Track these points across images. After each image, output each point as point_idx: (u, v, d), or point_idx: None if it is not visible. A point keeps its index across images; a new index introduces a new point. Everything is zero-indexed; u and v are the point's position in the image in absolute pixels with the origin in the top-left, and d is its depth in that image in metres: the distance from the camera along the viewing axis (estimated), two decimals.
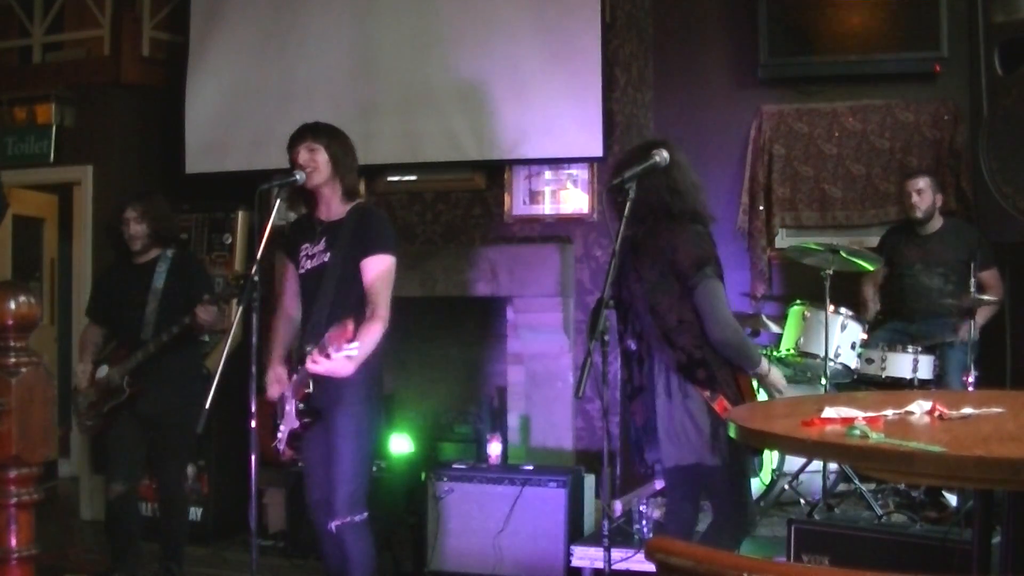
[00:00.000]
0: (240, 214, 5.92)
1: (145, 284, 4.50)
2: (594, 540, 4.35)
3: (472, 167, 5.56)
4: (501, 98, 5.40)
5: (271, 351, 3.81)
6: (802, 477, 5.01)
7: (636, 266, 3.44)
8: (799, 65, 5.85)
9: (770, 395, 3.55)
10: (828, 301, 4.83)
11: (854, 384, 5.14)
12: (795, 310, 5.06)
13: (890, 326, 5.31)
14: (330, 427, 3.58)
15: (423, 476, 4.75)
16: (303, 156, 3.67)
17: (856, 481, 4.82)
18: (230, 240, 5.91)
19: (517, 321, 5.42)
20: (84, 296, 5.07)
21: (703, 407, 3.31)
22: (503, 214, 5.55)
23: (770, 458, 4.91)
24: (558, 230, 5.48)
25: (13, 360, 1.94)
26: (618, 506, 4.22)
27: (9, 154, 6.34)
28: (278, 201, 3.60)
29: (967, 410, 2.38)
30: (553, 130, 5.32)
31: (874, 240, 5.57)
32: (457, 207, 5.64)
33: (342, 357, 3.24)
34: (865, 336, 5.00)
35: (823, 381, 4.76)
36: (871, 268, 5.17)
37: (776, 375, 3.48)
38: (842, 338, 4.91)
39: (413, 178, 5.66)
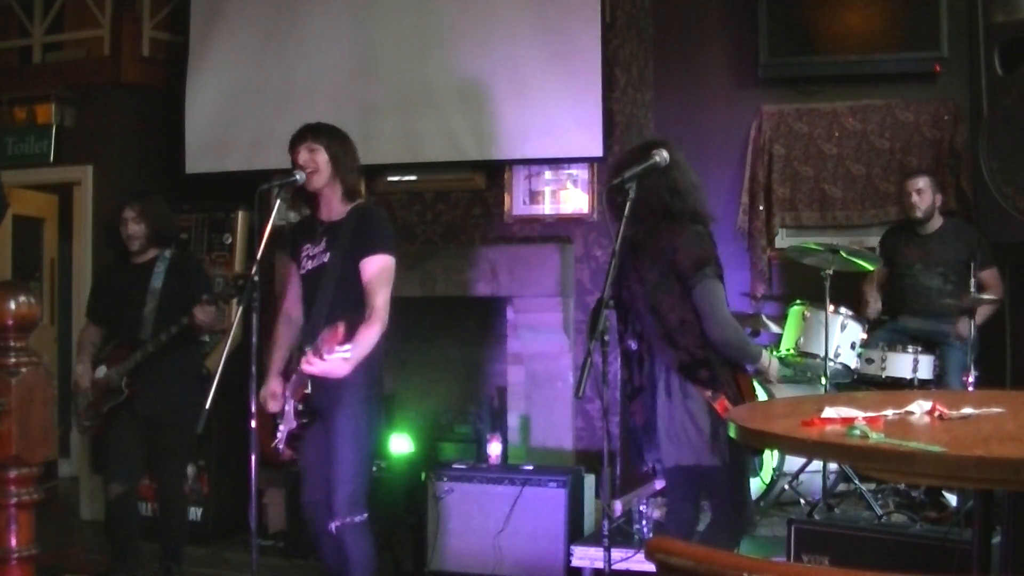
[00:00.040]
0: (240, 214, 5.92)
1: (143, 284, 4.50)
2: (594, 540, 4.35)
3: (472, 167, 5.56)
4: (501, 98, 5.40)
5: (270, 361, 3.81)
6: (802, 477, 5.01)
7: (636, 266, 3.44)
8: (799, 65, 5.85)
9: (768, 392, 3.56)
10: (828, 301, 4.83)
11: (854, 384, 5.14)
12: (795, 310, 5.07)
13: (890, 326, 5.31)
14: (330, 428, 3.58)
15: (423, 476, 4.75)
16: (303, 156, 3.67)
17: (856, 481, 4.82)
18: (230, 240, 5.91)
19: (517, 321, 5.42)
20: (84, 296, 5.06)
21: (704, 407, 3.31)
22: (503, 214, 5.55)
23: (770, 458, 4.91)
24: (558, 230, 5.47)
25: (13, 360, 1.94)
26: (618, 506, 4.22)
27: (9, 154, 6.34)
28: (278, 201, 3.60)
29: (967, 410, 2.38)
30: (553, 130, 5.32)
31: (874, 240, 5.57)
32: (457, 207, 5.64)
33: (337, 358, 3.24)
34: (865, 336, 5.00)
35: (823, 381, 4.76)
36: (871, 268, 5.17)
37: (774, 365, 3.50)
38: (842, 338, 4.91)
39: (413, 178, 5.66)
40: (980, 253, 5.01)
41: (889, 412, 2.36)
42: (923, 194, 5.20)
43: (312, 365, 3.31)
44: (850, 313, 4.97)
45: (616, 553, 3.80)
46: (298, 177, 3.63)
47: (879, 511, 4.58)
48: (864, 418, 2.21)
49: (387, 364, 3.86)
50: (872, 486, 4.89)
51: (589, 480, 4.77)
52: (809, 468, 4.98)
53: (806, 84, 5.92)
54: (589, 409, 5.31)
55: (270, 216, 3.55)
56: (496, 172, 5.57)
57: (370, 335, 3.48)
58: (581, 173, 5.43)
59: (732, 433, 2.42)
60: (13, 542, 1.94)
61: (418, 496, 4.76)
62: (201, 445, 5.33)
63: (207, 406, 3.28)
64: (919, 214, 5.21)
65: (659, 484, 4.20)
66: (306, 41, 5.78)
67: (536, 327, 5.37)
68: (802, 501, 4.91)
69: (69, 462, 6.77)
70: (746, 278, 5.94)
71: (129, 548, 4.45)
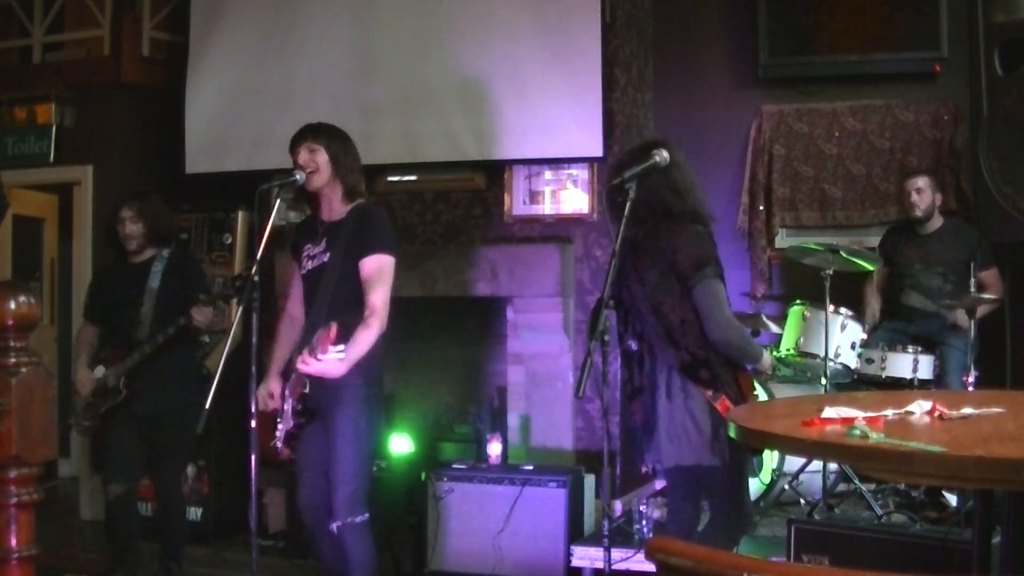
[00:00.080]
0: (240, 214, 5.92)
1: (141, 284, 4.50)
2: (594, 540, 4.35)
3: (472, 167, 5.56)
4: (501, 98, 5.40)
5: (271, 361, 3.81)
6: (802, 477, 5.01)
7: (636, 267, 3.44)
8: (799, 65, 5.85)
9: (768, 392, 3.56)
10: (828, 301, 4.83)
11: (854, 384, 5.14)
12: (795, 310, 5.07)
13: (890, 326, 5.31)
14: (330, 428, 3.58)
15: (423, 476, 4.75)
16: (303, 156, 3.67)
17: (856, 481, 4.82)
18: (230, 240, 5.91)
19: (517, 321, 5.42)
20: (84, 296, 5.06)
21: (704, 407, 3.32)
22: (503, 214, 5.55)
23: (770, 458, 4.91)
24: (558, 230, 5.47)
25: (13, 360, 1.94)
26: (618, 506, 4.22)
27: (9, 154, 6.34)
28: (278, 201, 3.60)
29: (967, 410, 2.38)
30: (553, 130, 5.32)
31: (874, 240, 5.57)
32: (457, 207, 5.64)
33: (331, 358, 3.24)
34: (865, 336, 5.01)
35: (823, 381, 4.76)
36: (871, 268, 5.17)
37: (767, 361, 3.51)
38: (842, 338, 4.91)
39: (413, 178, 5.66)
40: (980, 253, 5.02)
41: (889, 412, 2.36)
42: (922, 193, 5.20)
43: (307, 365, 3.31)
44: (850, 313, 4.98)
45: (616, 553, 3.80)
46: (298, 177, 3.63)
47: (879, 511, 4.58)
48: (864, 418, 2.21)
49: (387, 364, 3.86)
50: (872, 486, 4.89)
51: (589, 480, 4.77)
52: (809, 468, 4.98)
53: (806, 84, 5.92)
54: (589, 409, 5.31)
55: (270, 216, 3.55)
56: (496, 172, 5.57)
57: (368, 335, 3.48)
58: (581, 173, 5.43)
59: (732, 433, 2.42)
60: (13, 542, 1.94)
61: (418, 496, 4.76)
62: (201, 445, 5.33)
63: (207, 406, 3.28)
64: (918, 213, 5.21)
65: (659, 484, 4.20)
66: (306, 41, 5.78)
67: (536, 327, 5.37)
68: (802, 501, 4.91)
69: (69, 462, 6.77)
70: (746, 278, 5.94)
71: (129, 548, 4.44)
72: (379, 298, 3.55)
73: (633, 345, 3.49)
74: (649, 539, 2.72)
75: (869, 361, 4.97)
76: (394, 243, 3.69)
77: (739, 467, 3.43)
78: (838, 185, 5.88)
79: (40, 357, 2.00)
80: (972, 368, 4.69)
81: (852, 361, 4.94)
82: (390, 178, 5.66)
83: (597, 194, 5.34)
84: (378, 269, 3.59)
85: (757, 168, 5.99)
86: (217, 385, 3.29)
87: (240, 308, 3.42)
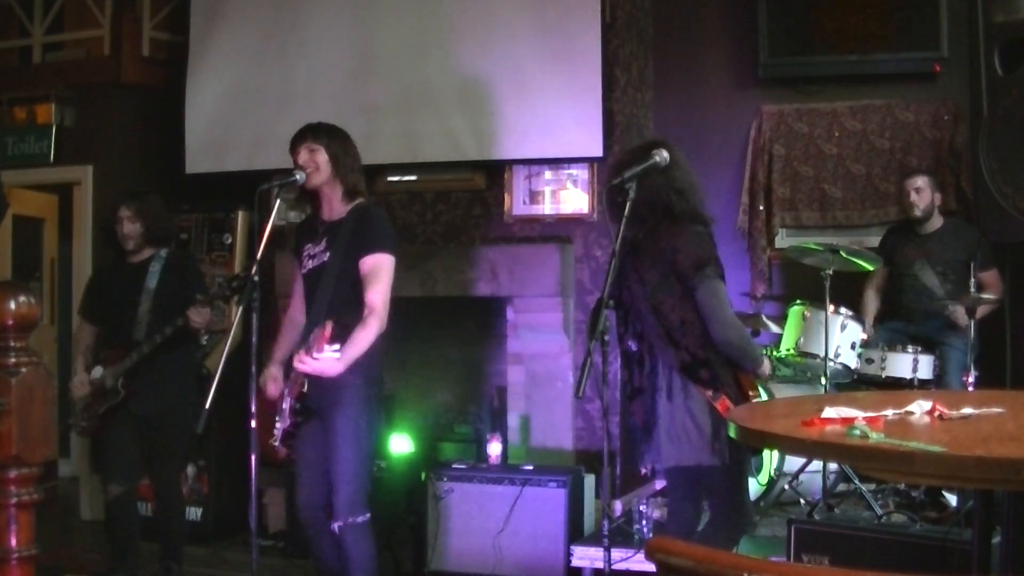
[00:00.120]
0: (240, 214, 5.92)
1: (138, 284, 4.49)
2: (594, 540, 4.35)
3: (472, 167, 5.56)
4: (501, 98, 5.40)
5: (272, 352, 3.81)
6: (802, 477, 5.01)
7: (636, 267, 3.44)
8: (799, 65, 5.85)
9: (768, 392, 3.56)
10: (828, 301, 4.83)
11: (854, 384, 5.14)
12: (795, 310, 5.07)
13: (890, 326, 5.31)
14: (330, 428, 3.58)
15: (423, 476, 4.75)
16: (303, 156, 3.67)
17: (856, 481, 4.82)
18: (230, 240, 5.91)
19: (517, 321, 5.42)
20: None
21: (704, 407, 3.32)
22: (503, 214, 5.55)
23: (770, 458, 4.91)
24: (558, 230, 5.47)
25: (13, 360, 1.94)
26: (618, 506, 4.22)
27: (9, 154, 6.34)
28: (278, 201, 3.60)
29: (967, 410, 2.38)
30: (553, 130, 5.32)
31: (874, 240, 5.57)
32: (457, 207, 5.64)
33: (328, 357, 3.24)
34: (865, 336, 5.01)
35: (823, 381, 4.76)
36: (871, 268, 5.17)
37: (767, 368, 3.51)
38: (842, 338, 4.91)
39: (413, 178, 5.66)
40: (980, 253, 5.01)
41: (889, 412, 2.36)
42: (922, 193, 5.20)
43: (304, 364, 3.31)
44: (850, 313, 4.98)
45: (616, 553, 3.80)
46: (298, 177, 3.63)
47: (879, 511, 4.58)
48: (864, 418, 2.21)
49: (387, 364, 3.86)
50: (872, 486, 4.89)
51: (589, 480, 4.77)
52: (809, 468, 4.98)
53: (806, 84, 5.92)
54: (589, 409, 5.31)
55: (270, 216, 3.56)
56: (496, 172, 5.57)
57: (366, 335, 3.47)
58: (581, 173, 5.43)
59: (732, 433, 2.42)
60: (13, 542, 1.94)
61: (418, 496, 4.76)
62: (201, 445, 5.32)
63: (207, 406, 3.28)
64: (918, 213, 5.21)
65: (659, 484, 4.20)
66: (306, 41, 5.78)
67: (536, 327, 5.37)
68: (802, 501, 4.91)
69: (69, 462, 6.76)
70: (746, 278, 5.94)
71: (129, 548, 4.44)
72: (378, 297, 3.55)
73: (633, 345, 3.48)
74: (649, 539, 2.72)
75: (869, 361, 4.97)
76: (394, 242, 3.69)
77: (739, 467, 3.43)
78: (838, 185, 5.88)
79: (40, 357, 2.00)
80: (972, 368, 4.69)
81: (852, 361, 4.94)
82: (390, 178, 5.66)
83: (597, 194, 5.34)
84: (377, 268, 3.59)
85: (757, 168, 5.99)
86: (217, 385, 3.29)
87: (240, 308, 3.42)
